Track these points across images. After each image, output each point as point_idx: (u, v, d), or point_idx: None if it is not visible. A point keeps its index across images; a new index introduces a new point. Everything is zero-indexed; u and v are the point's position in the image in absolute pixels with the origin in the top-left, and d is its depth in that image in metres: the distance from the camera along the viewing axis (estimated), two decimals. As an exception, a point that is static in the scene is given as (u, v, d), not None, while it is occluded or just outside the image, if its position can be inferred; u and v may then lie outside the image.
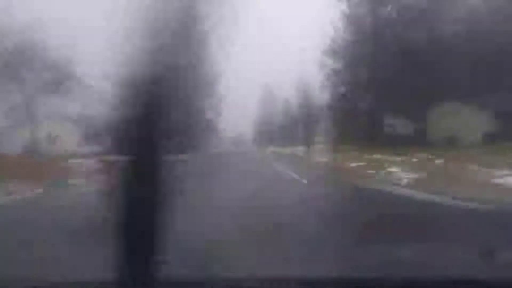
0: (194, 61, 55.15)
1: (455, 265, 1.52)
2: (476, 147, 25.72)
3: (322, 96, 39.67)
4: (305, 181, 11.17)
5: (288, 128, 59.45)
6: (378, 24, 34.37)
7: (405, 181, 9.93)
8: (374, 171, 13.19)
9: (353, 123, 38.71)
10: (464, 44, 34.07)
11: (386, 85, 34.55)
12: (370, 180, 10.83)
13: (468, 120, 30.91)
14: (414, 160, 18.71)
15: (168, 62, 1.39)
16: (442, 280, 1.21)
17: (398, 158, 20.63)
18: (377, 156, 22.62)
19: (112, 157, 24.50)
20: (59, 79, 28.17)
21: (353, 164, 16.97)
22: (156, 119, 1.70)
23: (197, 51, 55.74)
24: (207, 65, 57.92)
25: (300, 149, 38.68)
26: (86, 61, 31.56)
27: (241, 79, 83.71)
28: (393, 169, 13.33)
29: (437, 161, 16.13)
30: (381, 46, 34.17)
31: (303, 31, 76.14)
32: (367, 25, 34.67)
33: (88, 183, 13.84)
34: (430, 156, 19.98)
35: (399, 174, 11.81)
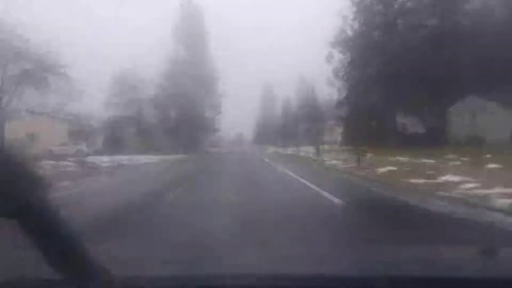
0: (194, 60, 51.53)
1: (455, 265, 1.34)
2: (509, 147, 21.73)
3: (328, 92, 35.77)
4: (340, 202, 7.08)
5: (290, 127, 55.44)
6: (389, 13, 30.35)
7: (503, 203, 5.88)
8: (421, 181, 9.14)
9: (361, 121, 34.77)
10: (485, 35, 30.11)
11: (398, 80, 30.59)
12: (437, 199, 6.73)
13: (494, 118, 26.84)
14: (456, 163, 14.66)
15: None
16: (442, 280, 1.12)
17: (430, 161, 16.60)
18: (402, 158, 18.56)
19: (97, 158, 20.30)
20: (38, 71, 23.96)
21: (383, 169, 12.90)
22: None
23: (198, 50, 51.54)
24: (208, 63, 54.37)
25: (304, 150, 34.50)
26: (69, 53, 27.46)
27: (242, 77, 79.73)
28: (448, 178, 9.29)
29: (492, 166, 12.06)
30: (393, 36, 30.20)
31: (308, 23, 72.13)
32: (377, 14, 30.64)
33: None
34: (467, 158, 15.97)
35: (469, 188, 7.76)
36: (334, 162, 18.83)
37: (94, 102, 44.46)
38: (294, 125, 55.25)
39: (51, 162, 20.58)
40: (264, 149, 56.68)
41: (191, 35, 50.45)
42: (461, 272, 1.22)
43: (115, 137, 43.38)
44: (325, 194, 8.06)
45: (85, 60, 54.60)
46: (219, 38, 75.98)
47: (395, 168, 13.08)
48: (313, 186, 9.30)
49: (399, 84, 31.05)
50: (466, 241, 3.57)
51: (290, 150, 39.52)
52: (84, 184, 13.06)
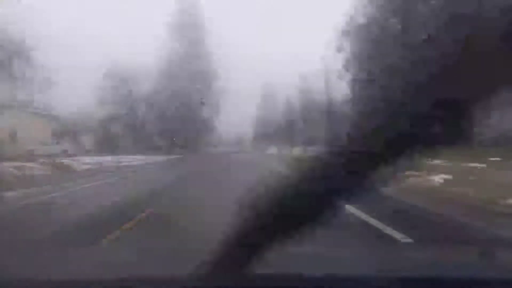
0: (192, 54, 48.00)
1: (456, 265, 1.32)
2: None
3: (339, 87, 32.10)
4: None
5: (293, 126, 51.74)
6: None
7: None
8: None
9: (373, 118, 31.18)
10: None
11: (416, 72, 26.92)
12: None
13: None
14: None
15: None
16: (443, 280, 1.12)
17: (481, 165, 12.96)
18: (437, 161, 14.85)
19: (80, 159, 16.60)
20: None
21: (435, 178, 9.24)
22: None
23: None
24: (206, 60, 50.64)
25: (312, 151, 30.71)
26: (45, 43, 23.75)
27: (242, 75, 76.17)
28: None
29: None
30: (414, 23, 26.57)
31: (317, 9, 67.89)
32: None
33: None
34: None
35: None
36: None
37: (86, 99, 40.96)
38: (298, 124, 51.57)
39: (15, 163, 16.92)
40: (265, 149, 53.05)
41: (189, 32, 46.87)
42: (462, 272, 1.19)
43: (108, 136, 39.80)
44: (388, 230, 4.39)
45: (78, 57, 51.07)
46: (218, 35, 72.17)
47: (449, 177, 9.43)
48: (363, 216, 5.55)
49: (418, 78, 27.37)
50: (467, 241, 3.15)
51: (296, 151, 35.78)
52: (34, 194, 9.47)
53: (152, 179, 14.00)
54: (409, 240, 3.99)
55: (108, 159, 25.58)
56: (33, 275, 1.12)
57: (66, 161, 21.19)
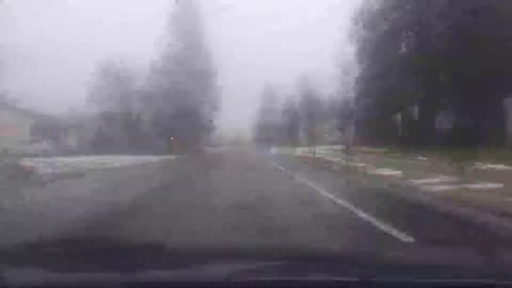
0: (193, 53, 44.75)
1: (455, 265, 1.30)
2: None
3: (344, 82, 28.60)
4: None
5: (295, 125, 48.34)
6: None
7: None
8: None
9: (384, 116, 27.79)
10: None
11: (430, 65, 23.57)
12: None
13: None
14: None
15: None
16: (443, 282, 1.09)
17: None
18: (499, 166, 11.35)
19: (54, 160, 12.81)
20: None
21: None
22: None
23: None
24: (206, 57, 47.25)
25: (319, 151, 27.14)
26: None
27: (242, 74, 72.82)
28: None
29: None
30: (430, 13, 23.30)
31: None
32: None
33: None
34: None
35: None
36: (387, 172, 11.52)
37: (77, 96, 37.64)
38: (299, 123, 48.18)
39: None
40: (266, 149, 49.58)
41: (187, 32, 43.54)
42: (462, 273, 1.14)
43: (99, 136, 36.34)
44: None
45: (73, 54, 47.98)
46: (218, 31, 68.59)
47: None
48: None
49: (432, 71, 24.15)
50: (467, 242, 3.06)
51: (299, 151, 32.27)
52: None
53: (126, 189, 10.45)
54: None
55: (90, 160, 22.20)
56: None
57: (33, 163, 17.63)
